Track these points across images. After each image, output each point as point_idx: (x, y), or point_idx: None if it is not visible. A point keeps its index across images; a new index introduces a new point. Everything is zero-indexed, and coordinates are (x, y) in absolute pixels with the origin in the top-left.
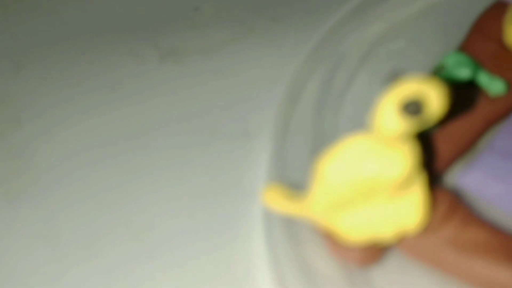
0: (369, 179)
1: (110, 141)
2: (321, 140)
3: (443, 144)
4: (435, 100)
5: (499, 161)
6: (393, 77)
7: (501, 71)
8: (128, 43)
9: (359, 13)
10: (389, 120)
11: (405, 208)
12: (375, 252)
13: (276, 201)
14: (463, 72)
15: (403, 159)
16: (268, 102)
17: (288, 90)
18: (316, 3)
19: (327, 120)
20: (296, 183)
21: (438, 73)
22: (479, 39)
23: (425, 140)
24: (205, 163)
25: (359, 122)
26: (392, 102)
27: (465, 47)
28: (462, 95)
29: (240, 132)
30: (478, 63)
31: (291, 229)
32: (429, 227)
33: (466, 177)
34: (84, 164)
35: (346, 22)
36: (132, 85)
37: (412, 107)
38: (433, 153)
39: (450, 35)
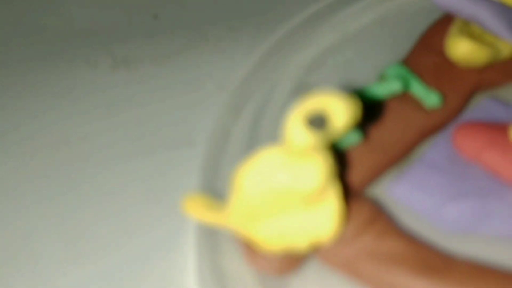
0: (282, 191)
1: (53, 145)
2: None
3: (372, 153)
4: (340, 114)
5: (428, 174)
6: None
7: (441, 83)
8: (83, 50)
9: (310, 24)
10: (296, 134)
11: (319, 218)
12: (291, 261)
13: (196, 210)
14: (394, 85)
15: (315, 170)
16: (213, 111)
17: (230, 100)
18: (272, 13)
19: (265, 131)
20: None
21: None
22: (422, 52)
23: (341, 152)
24: (145, 172)
25: None
26: (299, 116)
27: (408, 59)
28: (396, 107)
29: (184, 141)
30: (417, 75)
31: (213, 238)
32: (345, 237)
33: (395, 188)
34: (23, 170)
35: (295, 33)
36: (82, 91)
37: (317, 121)
38: (354, 164)
39: (399, 47)
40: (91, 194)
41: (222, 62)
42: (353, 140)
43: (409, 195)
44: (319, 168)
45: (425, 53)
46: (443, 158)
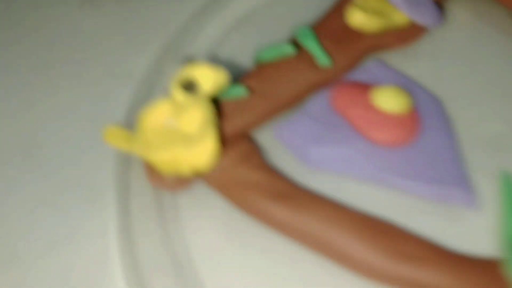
0: (170, 130)
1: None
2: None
3: (265, 101)
4: (207, 81)
5: (304, 121)
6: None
7: (337, 45)
8: None
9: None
10: (176, 94)
11: (198, 152)
12: (180, 182)
13: (113, 140)
14: (286, 48)
15: (192, 117)
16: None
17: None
18: None
19: None
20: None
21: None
22: (332, 17)
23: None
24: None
25: None
26: (176, 82)
27: (318, 23)
28: (293, 62)
29: (125, 74)
30: (321, 37)
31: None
32: (223, 167)
33: (278, 130)
34: None
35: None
36: (50, 26)
37: (188, 86)
38: (246, 109)
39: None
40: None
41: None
42: (237, 93)
43: (287, 137)
44: (195, 116)
45: (333, 19)
46: (320, 109)
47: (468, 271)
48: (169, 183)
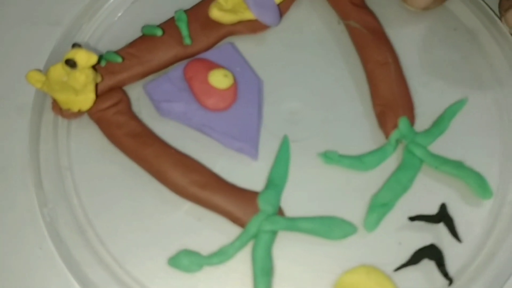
0: (64, 82)
1: None
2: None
3: (140, 66)
4: (82, 60)
5: (165, 82)
6: (74, 46)
7: (201, 28)
8: None
9: None
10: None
11: (83, 97)
12: (73, 114)
13: (33, 81)
14: (157, 30)
15: (77, 79)
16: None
17: None
18: None
19: None
20: None
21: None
22: (203, 5)
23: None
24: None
25: None
26: (62, 60)
27: (193, 9)
28: (167, 38)
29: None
30: (191, 19)
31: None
32: (97, 108)
33: (147, 86)
34: None
35: None
36: None
37: (70, 63)
38: (125, 70)
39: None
40: None
41: None
42: (113, 59)
43: (151, 93)
44: (78, 78)
45: (204, 7)
46: (177, 76)
47: (234, 195)
48: (65, 113)
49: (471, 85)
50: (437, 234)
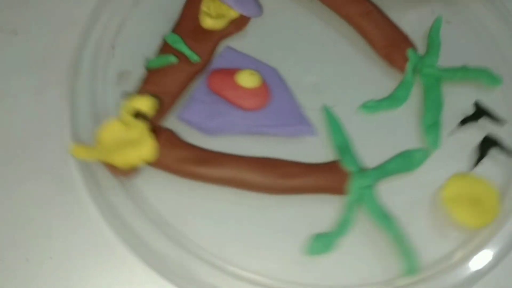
0: (122, 140)
1: None
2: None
3: (161, 94)
4: (148, 107)
5: (197, 104)
6: (125, 96)
7: (197, 43)
8: None
9: None
10: (131, 122)
11: (142, 151)
12: (134, 170)
13: (80, 154)
14: (171, 58)
15: (138, 129)
16: None
17: None
18: None
19: None
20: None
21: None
22: (185, 21)
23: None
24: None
25: None
26: (127, 112)
27: (177, 27)
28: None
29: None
30: (182, 38)
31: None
32: (158, 154)
33: (181, 114)
34: None
35: None
36: None
37: (141, 116)
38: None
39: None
40: None
41: None
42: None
43: (190, 118)
44: (137, 128)
45: (188, 21)
46: (203, 94)
47: (322, 171)
48: (129, 172)
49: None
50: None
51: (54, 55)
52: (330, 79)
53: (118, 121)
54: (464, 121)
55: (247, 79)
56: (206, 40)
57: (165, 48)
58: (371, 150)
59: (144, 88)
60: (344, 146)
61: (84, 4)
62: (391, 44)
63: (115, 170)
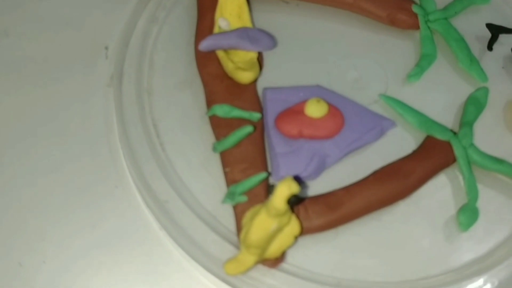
0: (273, 230)
1: None
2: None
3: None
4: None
5: (285, 158)
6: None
7: (243, 100)
8: None
9: None
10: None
11: (292, 232)
12: (282, 258)
13: (236, 270)
14: (247, 129)
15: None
16: None
17: None
18: None
19: None
20: None
21: None
22: (210, 81)
23: None
24: None
25: None
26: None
27: (208, 91)
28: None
29: None
30: (221, 101)
31: None
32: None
33: (278, 175)
34: None
35: None
36: None
37: (292, 200)
38: None
39: None
40: None
41: None
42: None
43: (285, 173)
44: (290, 219)
45: (216, 86)
46: (284, 145)
47: (429, 152)
48: (279, 262)
49: None
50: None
51: (45, 56)
52: (364, 68)
53: (264, 216)
54: (490, 45)
55: (316, 109)
56: (246, 93)
57: (217, 122)
58: (438, 113)
59: (231, 174)
60: (425, 122)
61: (75, 5)
62: (392, 10)
63: (269, 263)
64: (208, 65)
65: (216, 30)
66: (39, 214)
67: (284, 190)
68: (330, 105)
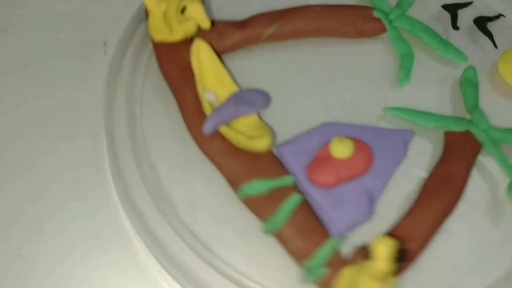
0: None
1: None
2: None
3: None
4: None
5: (336, 211)
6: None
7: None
8: None
9: None
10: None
11: None
12: None
13: None
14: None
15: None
16: None
17: None
18: None
19: None
20: None
21: None
22: (221, 159)
23: None
24: None
25: None
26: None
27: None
28: None
29: None
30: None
31: None
32: None
33: (337, 230)
34: None
35: None
36: None
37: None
38: None
39: None
40: None
41: None
42: None
43: (345, 228)
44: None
45: (228, 160)
46: (325, 197)
47: (459, 147)
48: None
49: None
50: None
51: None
52: (355, 87)
53: (370, 283)
54: (455, 24)
55: (343, 149)
56: (264, 158)
57: (254, 203)
58: (442, 107)
59: (297, 249)
60: (438, 119)
61: (73, 1)
62: (357, 22)
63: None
64: (212, 143)
65: (206, 106)
66: (38, 205)
67: (383, 249)
68: (354, 139)
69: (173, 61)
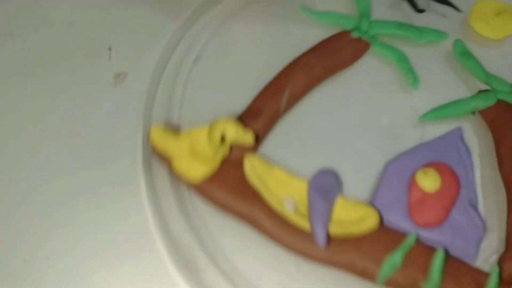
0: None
1: None
2: None
3: None
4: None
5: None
6: None
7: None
8: None
9: None
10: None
11: None
12: None
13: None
14: None
15: None
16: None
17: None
18: None
19: None
20: None
21: None
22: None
23: None
24: None
25: None
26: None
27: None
28: None
29: None
30: None
31: None
32: None
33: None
34: None
35: None
36: None
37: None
38: None
39: None
40: None
41: None
42: None
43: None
44: None
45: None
46: (436, 235)
47: None
48: None
49: None
50: None
51: (49, 56)
52: (385, 110)
53: None
54: (417, 8)
55: (433, 180)
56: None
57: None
58: (460, 89)
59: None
60: (470, 103)
61: (78, 5)
62: (346, 50)
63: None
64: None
65: (293, 218)
66: (45, 212)
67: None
68: (436, 163)
69: (219, 188)
